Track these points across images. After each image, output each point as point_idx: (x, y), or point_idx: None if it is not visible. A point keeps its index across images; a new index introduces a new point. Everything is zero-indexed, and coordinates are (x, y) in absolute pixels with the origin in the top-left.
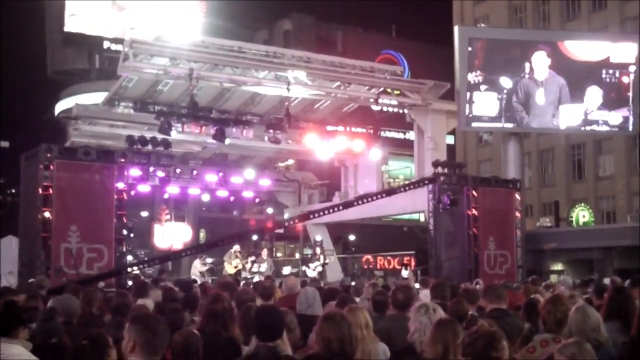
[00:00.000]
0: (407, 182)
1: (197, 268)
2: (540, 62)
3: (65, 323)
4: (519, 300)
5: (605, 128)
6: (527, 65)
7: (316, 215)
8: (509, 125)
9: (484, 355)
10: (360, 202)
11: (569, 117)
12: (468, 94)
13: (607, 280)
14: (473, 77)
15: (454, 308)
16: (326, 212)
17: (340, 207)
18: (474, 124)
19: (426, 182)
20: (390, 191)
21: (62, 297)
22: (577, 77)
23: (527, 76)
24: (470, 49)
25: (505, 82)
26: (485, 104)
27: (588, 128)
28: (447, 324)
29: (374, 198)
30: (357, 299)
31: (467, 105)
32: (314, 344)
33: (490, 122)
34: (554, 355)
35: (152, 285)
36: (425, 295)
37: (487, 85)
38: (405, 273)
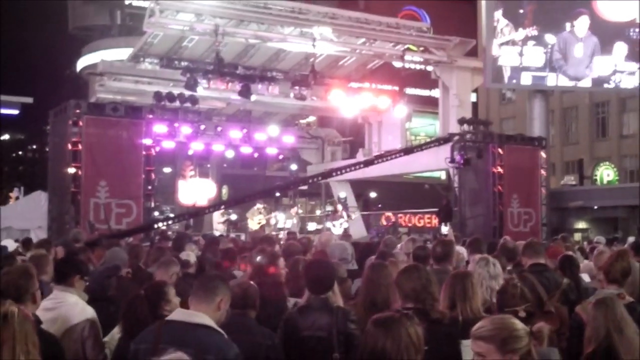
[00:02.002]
0: (429, 139)
1: (216, 220)
2: (583, 24)
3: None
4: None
5: (630, 79)
6: (568, 24)
7: (338, 173)
8: (552, 74)
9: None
10: (379, 160)
11: (600, 67)
12: (519, 47)
13: (631, 239)
14: (524, 33)
15: None
16: (347, 170)
17: (362, 165)
18: (523, 73)
19: (441, 141)
20: (408, 150)
21: (111, 250)
22: (607, 35)
23: (568, 33)
24: (521, 10)
25: (550, 38)
26: (533, 57)
27: (617, 77)
28: (457, 279)
29: (393, 157)
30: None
31: (519, 57)
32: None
33: (537, 71)
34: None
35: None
36: (461, 250)
37: (535, 40)
38: (444, 229)
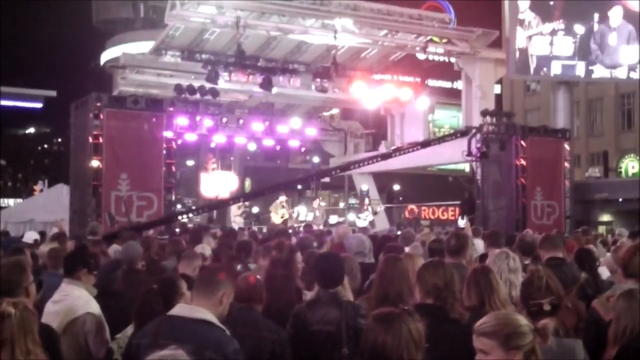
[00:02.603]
0: (453, 131)
1: (234, 213)
2: (616, 14)
3: (129, 270)
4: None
5: None
6: (596, 15)
7: (357, 166)
8: (581, 62)
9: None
10: (397, 154)
11: (629, 56)
12: (549, 37)
13: None
14: (551, 26)
15: None
16: (366, 163)
17: (379, 159)
18: (553, 62)
19: (458, 134)
20: (425, 143)
21: (126, 244)
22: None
23: (599, 24)
24: (552, 3)
25: (579, 29)
26: (563, 46)
27: None
28: (481, 274)
29: (410, 150)
30: (407, 248)
31: (549, 47)
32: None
33: (566, 60)
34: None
35: (204, 233)
36: (478, 243)
37: (565, 31)
38: (461, 222)
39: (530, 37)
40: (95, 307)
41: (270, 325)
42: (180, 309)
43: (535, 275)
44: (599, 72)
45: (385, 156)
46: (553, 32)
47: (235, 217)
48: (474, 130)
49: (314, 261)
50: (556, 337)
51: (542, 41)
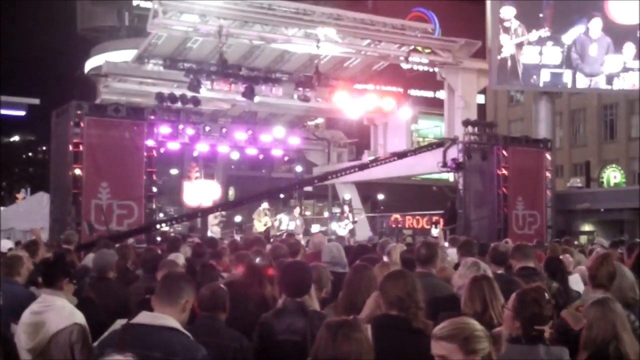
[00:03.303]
0: (441, 138)
1: (211, 222)
2: (596, 25)
3: (99, 278)
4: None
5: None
6: (583, 27)
7: (335, 176)
8: (568, 71)
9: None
10: (373, 164)
11: (612, 65)
12: (538, 47)
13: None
14: (537, 34)
15: None
16: (344, 173)
17: (357, 169)
18: (543, 70)
19: (434, 146)
20: (402, 154)
21: (99, 252)
22: (618, 36)
23: (583, 34)
24: (541, 15)
25: (566, 38)
26: (552, 55)
27: (626, 75)
28: (484, 281)
29: (386, 161)
30: (385, 258)
31: (539, 56)
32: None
33: (554, 68)
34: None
35: (181, 242)
36: (453, 253)
37: (553, 41)
38: (435, 232)
39: (519, 46)
40: (80, 318)
41: (232, 334)
42: (143, 317)
43: (541, 297)
44: (580, 81)
45: (363, 167)
46: (541, 41)
47: (212, 227)
48: (449, 142)
49: (281, 270)
50: (544, 345)
51: (532, 50)
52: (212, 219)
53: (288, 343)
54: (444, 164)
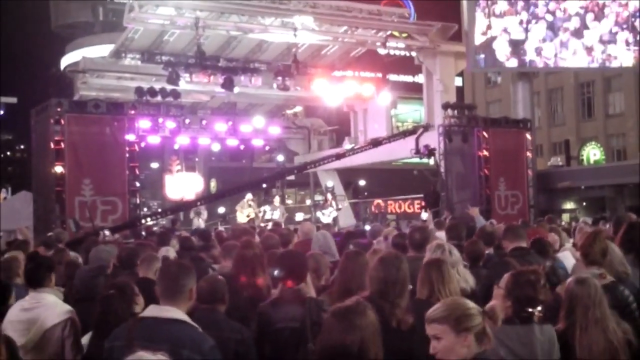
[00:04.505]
0: (415, 125)
1: (191, 215)
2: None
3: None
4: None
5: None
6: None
7: (312, 166)
8: (517, 63)
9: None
10: (350, 153)
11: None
12: (525, 25)
13: None
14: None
15: (469, 249)
16: (321, 163)
17: (334, 159)
18: (528, 44)
19: (407, 134)
20: (375, 142)
21: (95, 249)
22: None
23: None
24: None
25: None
26: (537, 31)
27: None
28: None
29: (361, 150)
30: (374, 241)
31: (524, 33)
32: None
33: (540, 43)
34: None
35: (171, 235)
36: (441, 236)
37: (536, 19)
38: (424, 215)
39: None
40: (72, 312)
41: (233, 325)
42: (151, 310)
43: (537, 280)
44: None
45: (340, 156)
46: (527, 21)
47: (193, 219)
48: (421, 130)
49: (277, 258)
50: (538, 325)
51: (518, 28)
52: (192, 213)
53: (286, 330)
54: (417, 151)
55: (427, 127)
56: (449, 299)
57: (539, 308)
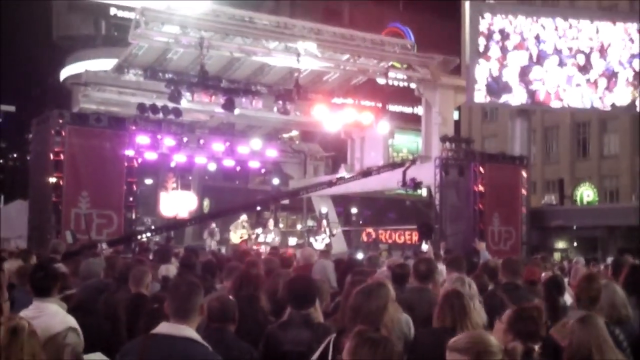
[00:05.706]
0: (412, 156)
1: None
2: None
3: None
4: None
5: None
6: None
7: (305, 192)
8: (519, 99)
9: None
10: (341, 182)
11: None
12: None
13: (609, 260)
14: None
15: (475, 282)
16: (316, 189)
17: (325, 185)
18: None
19: (395, 166)
20: (366, 173)
21: (86, 262)
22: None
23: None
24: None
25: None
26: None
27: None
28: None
29: (352, 179)
30: (378, 270)
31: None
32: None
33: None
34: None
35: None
36: (442, 268)
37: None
38: (425, 247)
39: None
40: (74, 322)
41: (242, 346)
42: (164, 328)
43: (539, 316)
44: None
45: (332, 184)
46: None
47: (206, 240)
48: (408, 163)
49: (287, 283)
50: None
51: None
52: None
53: (293, 354)
54: (404, 183)
55: (414, 161)
56: (476, 331)
57: (539, 344)
